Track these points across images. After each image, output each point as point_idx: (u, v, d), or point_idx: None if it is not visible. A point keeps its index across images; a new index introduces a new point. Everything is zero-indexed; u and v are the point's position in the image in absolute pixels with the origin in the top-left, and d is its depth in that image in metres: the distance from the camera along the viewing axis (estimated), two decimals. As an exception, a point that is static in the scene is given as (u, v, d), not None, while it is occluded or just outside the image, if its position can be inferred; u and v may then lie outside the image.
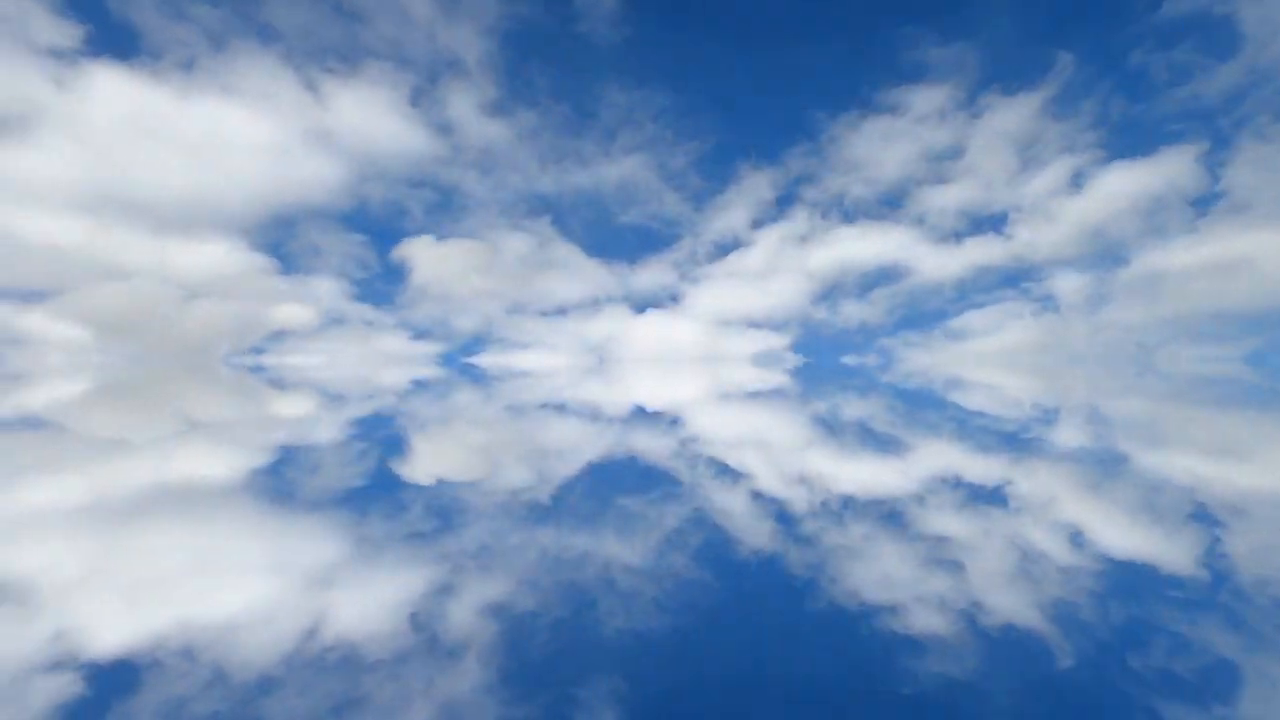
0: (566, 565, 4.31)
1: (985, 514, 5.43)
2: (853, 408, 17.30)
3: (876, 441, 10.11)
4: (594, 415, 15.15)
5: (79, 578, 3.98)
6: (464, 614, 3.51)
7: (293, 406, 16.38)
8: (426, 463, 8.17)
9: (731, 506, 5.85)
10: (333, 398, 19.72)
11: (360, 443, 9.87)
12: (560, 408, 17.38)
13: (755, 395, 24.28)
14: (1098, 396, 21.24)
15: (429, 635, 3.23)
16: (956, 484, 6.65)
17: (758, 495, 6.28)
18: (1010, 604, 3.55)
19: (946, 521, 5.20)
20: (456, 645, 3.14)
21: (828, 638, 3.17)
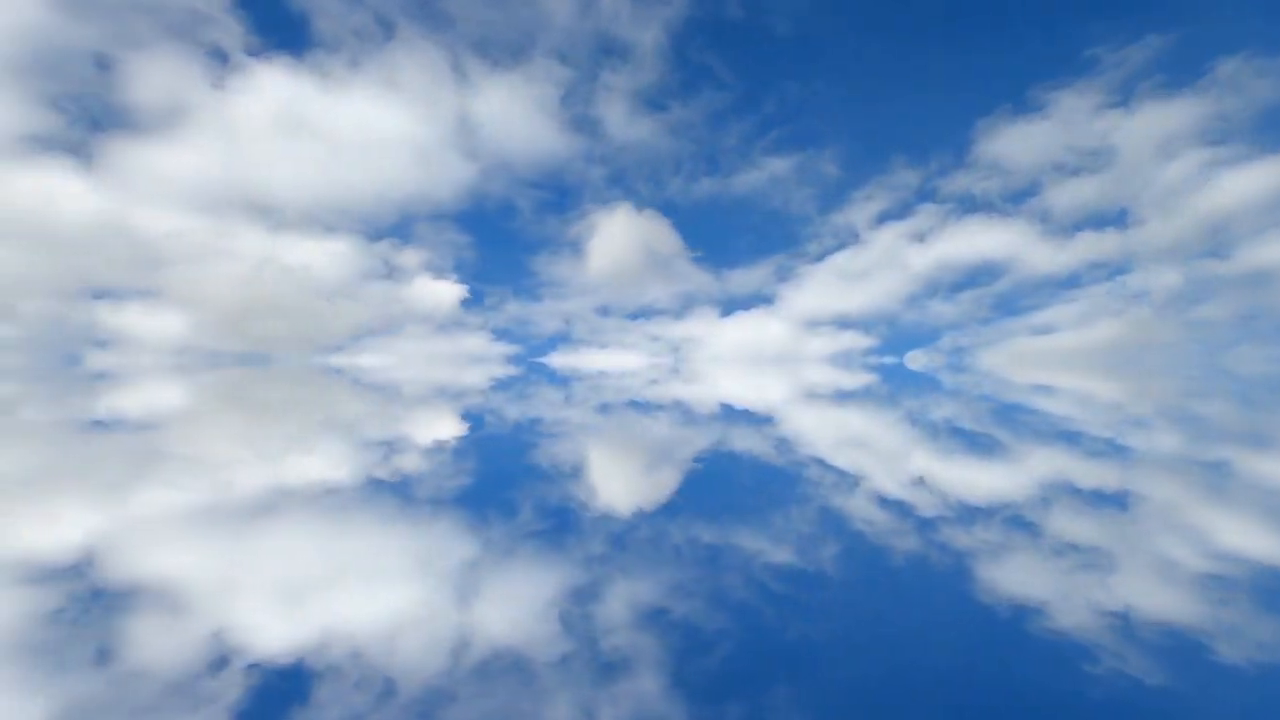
0: (707, 565, 4.20)
1: (1110, 519, 5.38)
2: (940, 410, 16.71)
3: (976, 445, 9.88)
4: (685, 414, 15.05)
5: (223, 581, 4.06)
6: (617, 616, 3.42)
7: (391, 407, 15.81)
8: (532, 461, 8.18)
9: (858, 508, 5.73)
10: (427, 398, 19.09)
11: (463, 442, 9.97)
12: (646, 407, 17.36)
13: (842, 395, 23.85)
14: (1183, 398, 20.48)
15: (587, 639, 3.15)
16: (1073, 490, 6.61)
17: (881, 497, 6.17)
18: (1163, 607, 3.54)
19: (1074, 526, 5.14)
20: (620, 649, 3.04)
21: (997, 641, 3.15)
